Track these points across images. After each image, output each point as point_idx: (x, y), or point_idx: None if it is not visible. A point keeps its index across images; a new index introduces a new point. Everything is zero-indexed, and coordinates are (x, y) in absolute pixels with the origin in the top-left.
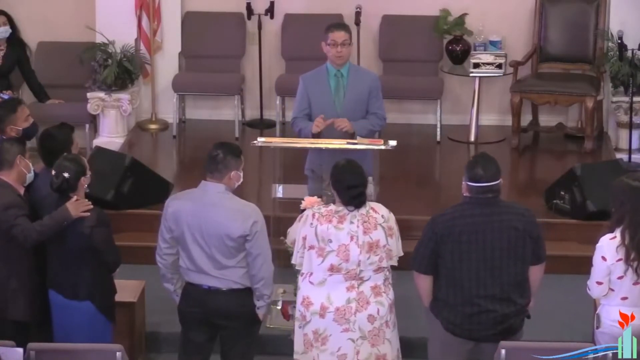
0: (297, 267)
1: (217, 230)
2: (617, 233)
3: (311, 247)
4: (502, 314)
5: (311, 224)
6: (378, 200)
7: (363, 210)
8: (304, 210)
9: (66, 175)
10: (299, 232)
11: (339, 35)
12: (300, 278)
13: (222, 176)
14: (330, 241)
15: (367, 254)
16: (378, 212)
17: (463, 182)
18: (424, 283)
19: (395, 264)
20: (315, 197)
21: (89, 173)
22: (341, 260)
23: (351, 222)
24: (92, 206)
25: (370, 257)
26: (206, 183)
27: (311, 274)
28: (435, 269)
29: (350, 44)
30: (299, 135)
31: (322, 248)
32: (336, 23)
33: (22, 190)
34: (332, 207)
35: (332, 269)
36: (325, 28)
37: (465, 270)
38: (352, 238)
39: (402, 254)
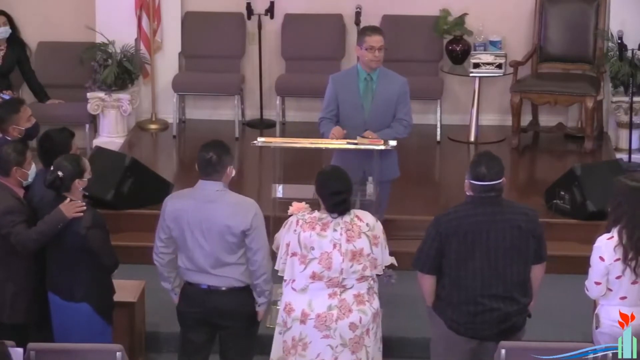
0: (279, 274)
1: (218, 226)
2: (615, 233)
3: (294, 254)
4: (505, 312)
5: (295, 230)
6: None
7: (347, 218)
8: (291, 215)
9: (60, 174)
10: (283, 238)
11: (376, 40)
12: (283, 284)
13: (220, 176)
14: (313, 249)
15: (350, 263)
16: (363, 220)
17: (466, 180)
18: (427, 283)
19: (381, 272)
20: (303, 202)
21: (87, 176)
22: (323, 268)
23: (334, 230)
24: (85, 207)
25: (354, 266)
26: (204, 182)
27: (294, 280)
28: (439, 268)
29: (386, 48)
30: (322, 137)
31: (305, 255)
32: (372, 27)
33: (21, 193)
34: (316, 213)
35: (314, 277)
36: (360, 31)
37: (469, 269)
38: (335, 246)
39: (388, 262)
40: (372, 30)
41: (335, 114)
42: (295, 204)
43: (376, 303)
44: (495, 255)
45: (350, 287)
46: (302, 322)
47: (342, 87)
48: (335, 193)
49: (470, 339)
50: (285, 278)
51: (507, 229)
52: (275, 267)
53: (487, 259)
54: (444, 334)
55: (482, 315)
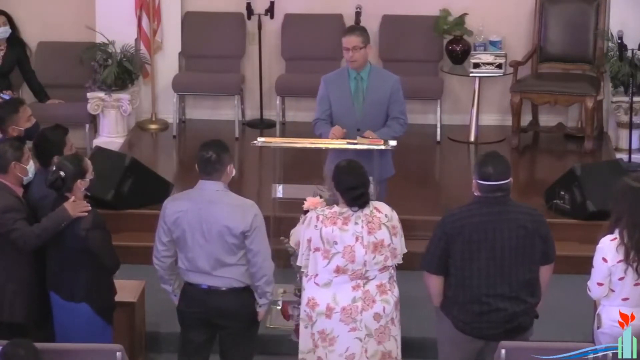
0: (302, 270)
1: (218, 227)
2: (617, 234)
3: (316, 249)
4: (511, 312)
5: (315, 226)
6: (378, 200)
7: (367, 211)
8: (307, 211)
9: (62, 174)
10: (303, 234)
11: (348, 41)
12: (304, 279)
13: (220, 175)
14: (336, 243)
15: (373, 254)
16: (381, 212)
17: (473, 180)
18: (434, 283)
19: (400, 261)
20: (318, 197)
21: (89, 177)
22: (347, 262)
23: (356, 223)
24: (90, 208)
25: (376, 257)
26: (204, 182)
27: (316, 275)
28: (446, 268)
29: (364, 48)
30: (319, 138)
31: (328, 250)
32: (350, 27)
33: (20, 192)
34: (336, 208)
35: (338, 271)
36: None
37: (474, 269)
38: (357, 239)
39: (405, 251)
40: (348, 30)
41: (329, 114)
42: (309, 199)
43: (397, 291)
44: (501, 255)
45: (373, 278)
46: (328, 316)
47: (334, 87)
48: (352, 188)
49: (476, 338)
50: (308, 273)
51: (512, 229)
52: (298, 263)
53: (492, 259)
54: (451, 333)
55: (488, 315)
